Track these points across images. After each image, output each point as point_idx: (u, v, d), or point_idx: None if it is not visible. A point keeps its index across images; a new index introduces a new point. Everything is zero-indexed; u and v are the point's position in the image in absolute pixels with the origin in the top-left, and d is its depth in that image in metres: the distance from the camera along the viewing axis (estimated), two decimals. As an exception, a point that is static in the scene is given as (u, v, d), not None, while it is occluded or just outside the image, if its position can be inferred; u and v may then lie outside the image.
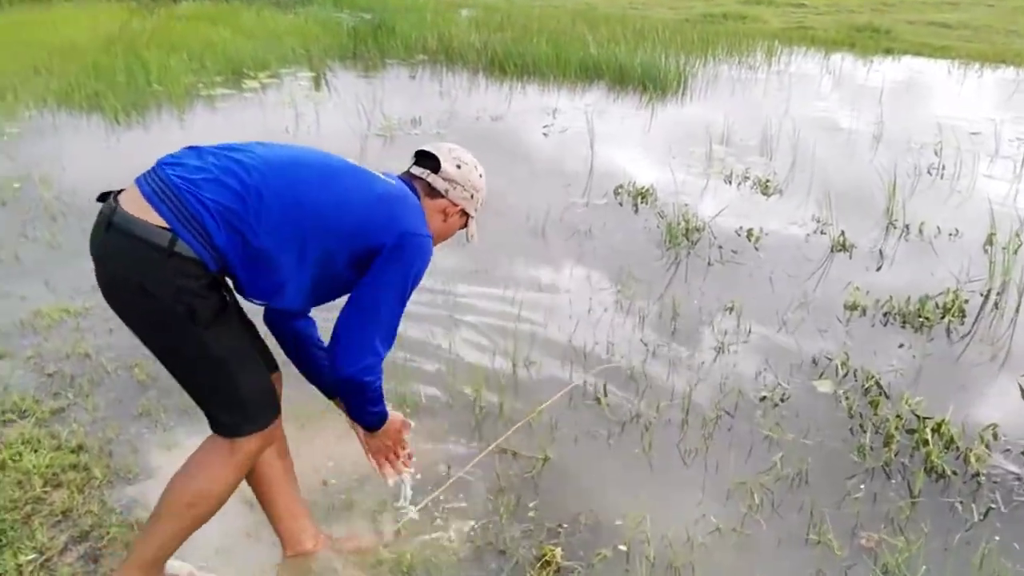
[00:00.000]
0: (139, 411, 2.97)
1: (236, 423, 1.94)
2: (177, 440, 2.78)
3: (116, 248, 1.79)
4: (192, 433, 2.81)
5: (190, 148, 1.94)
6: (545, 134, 7.46)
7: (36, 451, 2.65)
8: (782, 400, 3.25)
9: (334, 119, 7.65)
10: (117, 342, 3.38)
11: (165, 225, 1.75)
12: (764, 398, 3.26)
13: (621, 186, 5.73)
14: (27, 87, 8.34)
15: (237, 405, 1.93)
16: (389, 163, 6.69)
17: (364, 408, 2.09)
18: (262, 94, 8.67)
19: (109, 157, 6.27)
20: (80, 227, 4.34)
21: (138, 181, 1.83)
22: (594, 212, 5.39)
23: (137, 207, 1.77)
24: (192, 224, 1.76)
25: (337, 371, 1.96)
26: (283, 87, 9.06)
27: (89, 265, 1.86)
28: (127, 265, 1.78)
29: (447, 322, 3.79)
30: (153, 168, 1.85)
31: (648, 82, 9.44)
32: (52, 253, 4.40)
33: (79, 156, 6.19)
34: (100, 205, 1.85)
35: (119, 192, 1.84)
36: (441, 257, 4.74)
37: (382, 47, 11.54)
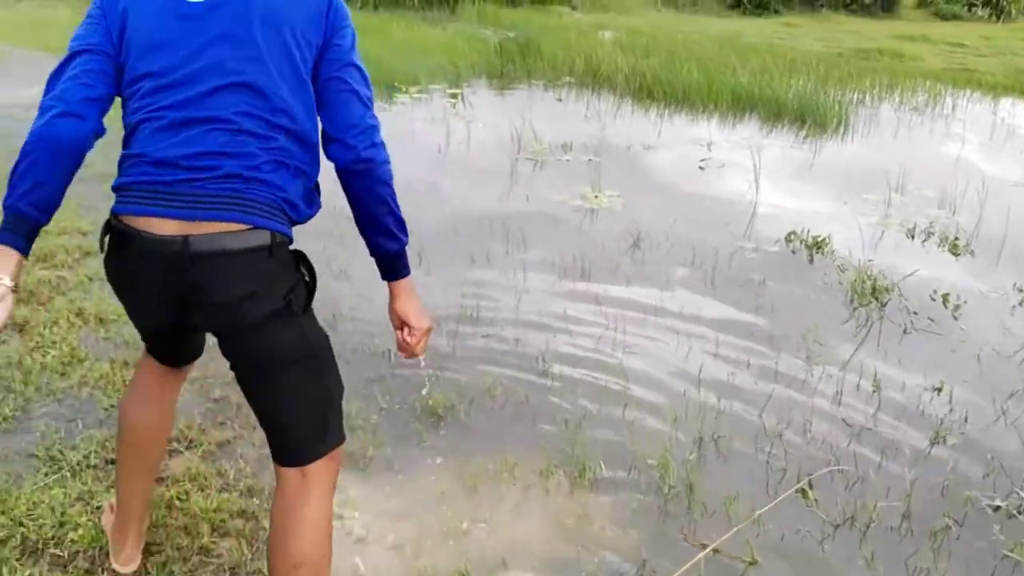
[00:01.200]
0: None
1: (341, 429, 1.73)
2: (344, 485, 2.54)
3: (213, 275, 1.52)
4: (360, 481, 2.57)
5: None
6: (702, 168, 7.03)
7: (203, 490, 2.46)
8: (1018, 512, 2.74)
9: (484, 138, 7.47)
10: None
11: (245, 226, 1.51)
12: (998, 508, 2.76)
13: (793, 233, 5.25)
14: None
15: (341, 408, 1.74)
16: (540, 189, 6.46)
17: (395, 211, 1.71)
18: (412, 109, 8.60)
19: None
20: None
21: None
22: (766, 260, 4.94)
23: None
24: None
25: (348, 152, 1.65)
26: (432, 103, 8.98)
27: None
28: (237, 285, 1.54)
29: (618, 371, 3.44)
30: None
31: (806, 117, 8.86)
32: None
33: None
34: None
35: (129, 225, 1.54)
36: (606, 292, 4.47)
37: (529, 67, 11.36)
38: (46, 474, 2.48)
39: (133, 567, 2.06)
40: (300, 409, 1.66)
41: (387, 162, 1.70)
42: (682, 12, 24.35)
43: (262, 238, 1.53)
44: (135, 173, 1.56)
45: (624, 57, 11.35)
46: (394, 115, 8.26)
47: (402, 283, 1.78)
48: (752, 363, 3.64)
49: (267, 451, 2.61)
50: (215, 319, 1.61)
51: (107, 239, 1.62)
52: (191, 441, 2.73)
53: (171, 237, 1.50)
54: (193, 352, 1.97)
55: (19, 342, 3.28)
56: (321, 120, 1.68)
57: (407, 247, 1.77)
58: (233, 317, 1.57)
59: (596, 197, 5.96)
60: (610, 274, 4.57)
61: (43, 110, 1.56)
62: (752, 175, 6.32)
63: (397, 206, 1.73)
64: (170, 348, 1.90)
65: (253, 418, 2.81)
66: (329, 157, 1.69)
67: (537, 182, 6.35)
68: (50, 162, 1.53)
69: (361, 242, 1.79)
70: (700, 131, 8.45)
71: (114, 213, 1.59)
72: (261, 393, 1.68)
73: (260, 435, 2.77)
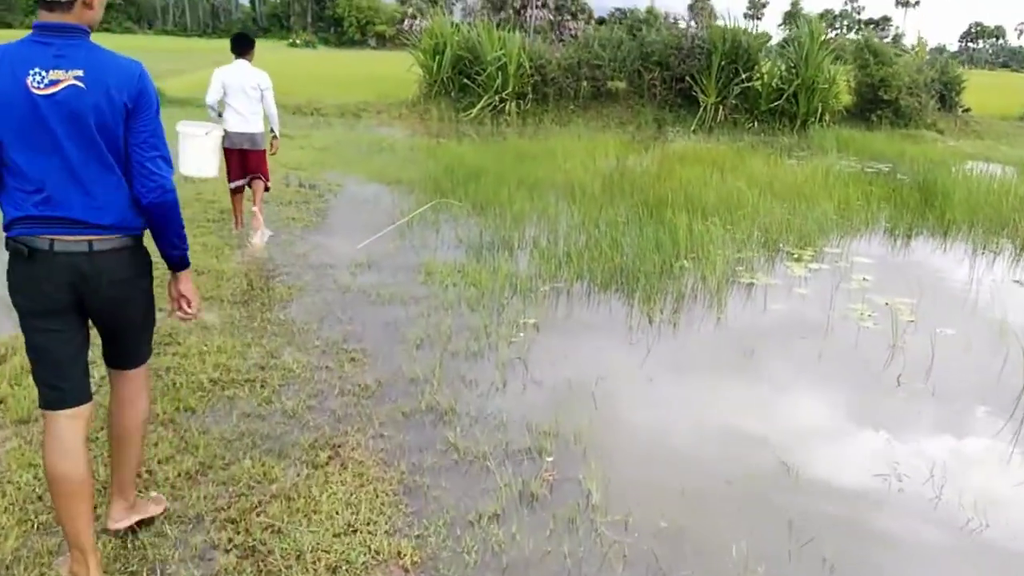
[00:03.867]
0: None
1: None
2: None
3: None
4: None
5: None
6: None
7: None
8: None
9: (960, 362, 4.94)
10: None
11: None
12: None
13: None
14: (546, 250, 7.04)
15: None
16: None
17: (180, 233, 2.60)
18: (818, 291, 6.31)
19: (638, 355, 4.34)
20: None
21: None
22: None
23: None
24: None
25: (144, 198, 2.48)
26: (838, 279, 6.62)
27: None
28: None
29: None
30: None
31: None
32: None
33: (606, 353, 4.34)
34: None
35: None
36: None
37: (944, 221, 8.61)
38: None
39: None
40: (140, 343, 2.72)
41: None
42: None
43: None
44: None
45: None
46: (789, 297, 6.03)
47: (180, 274, 2.72)
48: None
49: None
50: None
51: None
52: None
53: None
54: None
55: None
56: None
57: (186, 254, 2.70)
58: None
59: None
60: None
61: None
62: None
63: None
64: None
65: None
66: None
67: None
68: None
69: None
70: None
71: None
72: (120, 338, 2.66)
73: None
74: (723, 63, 18.05)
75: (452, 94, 18.40)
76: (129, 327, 2.62)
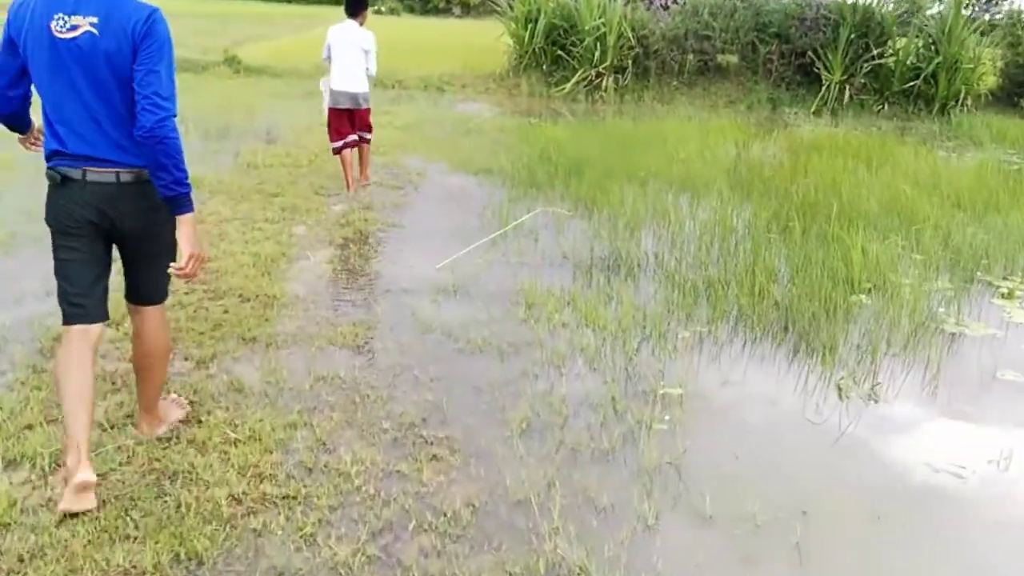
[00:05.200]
0: None
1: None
2: None
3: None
4: None
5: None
6: None
7: None
8: None
9: None
10: None
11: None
12: None
13: None
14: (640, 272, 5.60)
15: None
16: None
17: (176, 170, 2.64)
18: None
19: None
20: None
21: None
22: None
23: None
24: None
25: (136, 131, 2.58)
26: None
27: None
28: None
29: None
30: None
31: None
32: None
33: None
34: None
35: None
36: None
37: None
38: None
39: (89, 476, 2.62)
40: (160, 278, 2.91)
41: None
42: None
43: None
44: None
45: None
46: (1001, 347, 4.44)
47: (182, 218, 2.73)
48: None
49: None
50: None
51: None
52: None
53: None
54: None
55: None
56: None
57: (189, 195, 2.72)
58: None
59: None
60: None
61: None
62: None
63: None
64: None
65: None
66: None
67: None
68: None
69: None
70: None
71: None
72: (140, 270, 2.89)
73: None
74: (852, 36, 15.97)
75: (544, 67, 16.86)
76: (150, 259, 2.84)
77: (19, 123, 2.89)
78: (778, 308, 4.88)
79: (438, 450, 3.16)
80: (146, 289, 2.93)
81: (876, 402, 3.89)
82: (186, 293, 4.51)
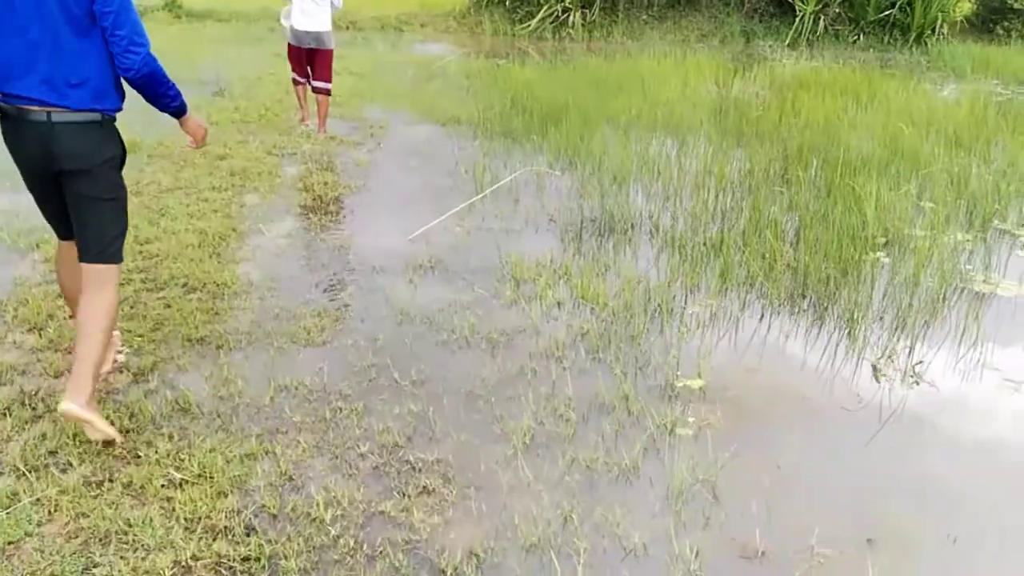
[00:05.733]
0: None
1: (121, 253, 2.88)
2: None
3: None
4: None
5: None
6: None
7: None
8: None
9: None
10: None
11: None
12: None
13: None
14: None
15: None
16: None
17: (169, 94, 2.81)
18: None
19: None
20: None
21: None
22: None
23: None
24: None
25: (126, 73, 2.68)
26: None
27: None
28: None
29: None
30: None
31: None
32: None
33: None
34: None
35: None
36: None
37: None
38: None
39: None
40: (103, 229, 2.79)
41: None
42: None
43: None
44: None
45: None
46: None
47: (182, 119, 2.98)
48: None
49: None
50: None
51: None
52: None
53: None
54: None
55: None
56: None
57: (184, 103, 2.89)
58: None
59: None
60: None
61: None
62: None
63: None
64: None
65: None
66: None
67: None
68: None
69: None
70: None
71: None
72: (82, 215, 2.76)
73: None
74: (826, -37, 15.29)
75: (507, 3, 15.95)
76: (90, 207, 2.75)
77: None
78: (793, 273, 4.39)
79: (428, 479, 2.63)
80: (91, 242, 2.77)
81: (918, 383, 3.44)
82: (122, 284, 3.88)
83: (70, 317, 3.23)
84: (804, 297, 4.19)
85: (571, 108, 7.89)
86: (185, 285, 3.93)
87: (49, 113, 2.61)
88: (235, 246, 4.51)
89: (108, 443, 2.67)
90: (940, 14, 15.39)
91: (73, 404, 2.58)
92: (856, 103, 8.70)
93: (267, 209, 5.15)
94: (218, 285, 3.94)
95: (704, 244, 4.76)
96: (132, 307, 3.70)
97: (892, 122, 7.62)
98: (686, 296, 4.15)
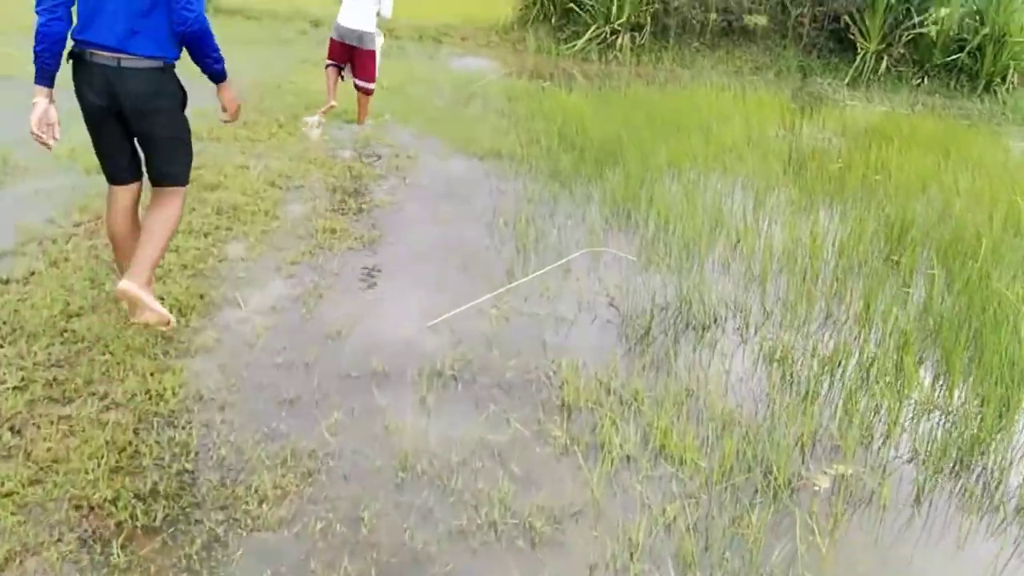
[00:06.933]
0: None
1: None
2: None
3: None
4: None
5: None
6: None
7: None
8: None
9: None
10: None
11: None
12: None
13: None
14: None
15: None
16: None
17: (213, 55, 3.07)
18: None
19: None
20: None
21: None
22: None
23: None
24: None
25: (177, 27, 2.90)
26: None
27: None
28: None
29: None
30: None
31: None
32: None
33: None
34: None
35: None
36: None
37: None
38: None
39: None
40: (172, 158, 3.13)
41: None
42: None
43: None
44: None
45: None
46: None
47: (219, 85, 3.22)
48: None
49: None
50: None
51: None
52: None
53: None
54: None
55: None
56: None
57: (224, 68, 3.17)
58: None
59: None
60: None
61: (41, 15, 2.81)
62: None
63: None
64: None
65: None
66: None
67: None
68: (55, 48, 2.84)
69: None
70: None
71: None
72: (151, 148, 3.08)
73: None
74: (891, 1, 13.88)
75: (553, 20, 14.67)
76: (157, 141, 3.05)
77: (60, 51, 2.87)
78: (945, 418, 3.08)
79: None
80: (159, 168, 3.09)
81: None
82: (18, 390, 2.64)
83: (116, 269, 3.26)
84: (968, 468, 2.87)
85: (626, 145, 6.62)
86: (105, 397, 2.68)
87: (119, 59, 2.85)
88: (196, 325, 3.26)
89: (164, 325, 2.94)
90: (1012, 62, 13.95)
91: (131, 284, 2.84)
92: (945, 160, 7.34)
93: (252, 267, 3.90)
94: (151, 398, 2.69)
95: (814, 356, 3.46)
96: (18, 433, 2.46)
97: (996, 188, 6.29)
98: (803, 453, 2.85)
